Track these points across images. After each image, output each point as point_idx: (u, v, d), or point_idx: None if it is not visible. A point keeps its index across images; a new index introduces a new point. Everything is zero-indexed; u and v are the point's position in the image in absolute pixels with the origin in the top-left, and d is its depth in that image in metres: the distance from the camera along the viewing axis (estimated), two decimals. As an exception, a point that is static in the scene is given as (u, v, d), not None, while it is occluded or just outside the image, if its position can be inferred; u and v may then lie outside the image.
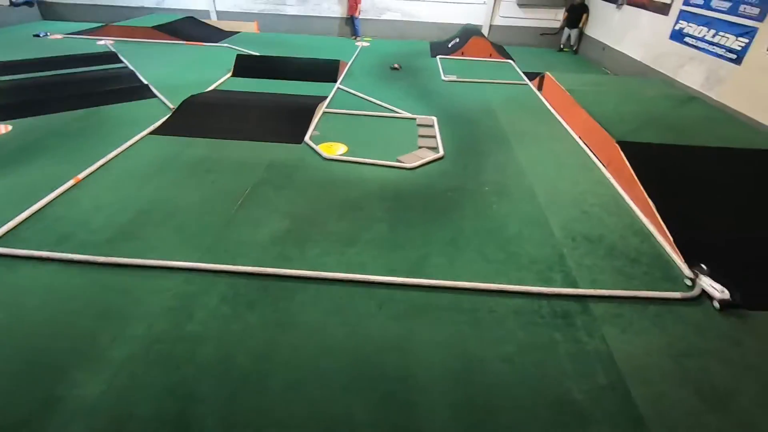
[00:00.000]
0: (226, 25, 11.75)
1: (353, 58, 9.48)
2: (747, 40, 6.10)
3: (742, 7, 6.24)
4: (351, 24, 11.95)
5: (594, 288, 3.15)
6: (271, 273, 3.09)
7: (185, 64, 8.34)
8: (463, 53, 9.92)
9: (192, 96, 6.12)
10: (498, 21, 12.05)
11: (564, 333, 2.78)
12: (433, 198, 4.22)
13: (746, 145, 4.59)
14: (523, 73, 8.70)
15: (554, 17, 11.83)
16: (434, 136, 5.62)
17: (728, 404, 2.37)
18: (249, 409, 2.22)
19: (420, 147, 5.29)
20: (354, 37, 11.91)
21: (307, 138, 5.32)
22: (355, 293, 3.00)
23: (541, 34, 12.05)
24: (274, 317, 2.76)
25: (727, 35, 6.49)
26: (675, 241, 3.58)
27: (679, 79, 7.47)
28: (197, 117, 5.67)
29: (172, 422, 2.13)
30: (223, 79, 7.44)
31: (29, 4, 11.81)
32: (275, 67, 7.95)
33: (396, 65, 8.86)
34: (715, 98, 6.54)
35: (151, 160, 4.64)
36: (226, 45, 10.02)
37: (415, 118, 6.18)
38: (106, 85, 6.77)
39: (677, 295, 3.11)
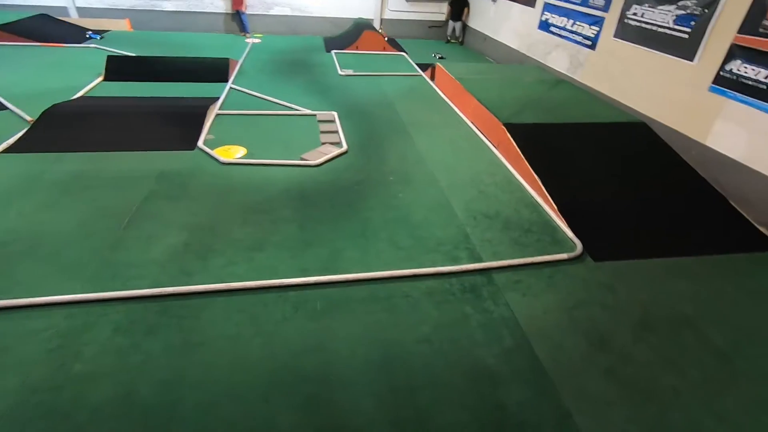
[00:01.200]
0: (90, 23, 10.40)
1: (244, 55, 9.03)
2: (597, 28, 7.00)
3: (591, -1, 7.14)
4: (238, 20, 11.34)
5: (496, 260, 3.41)
6: (171, 292, 2.84)
7: (42, 68, 7.23)
8: (357, 47, 10.00)
9: (55, 105, 5.33)
10: (388, 14, 12.33)
11: (473, 305, 2.97)
12: (340, 193, 4.21)
13: (605, 120, 5.30)
14: (416, 64, 9.03)
15: (439, 10, 12.43)
16: (336, 131, 5.59)
17: (610, 343, 2.74)
18: (159, 443, 2.03)
19: (323, 143, 5.24)
20: (243, 33, 11.34)
21: (200, 143, 4.96)
22: (268, 299, 2.89)
23: (430, 27, 12.61)
24: (179, 339, 2.55)
25: (582, 24, 7.39)
26: (559, 208, 4.01)
27: (549, 65, 8.34)
28: (65, 128, 4.97)
29: (64, 479, 1.87)
30: (92, 84, 6.60)
31: None
32: (156, 69, 7.25)
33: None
34: (578, 80, 7.42)
35: (7, 183, 3.96)
36: (93, 46, 8.90)
37: (315, 115, 6.10)
38: (-65, 99, 5.61)
39: (564, 256, 3.50)
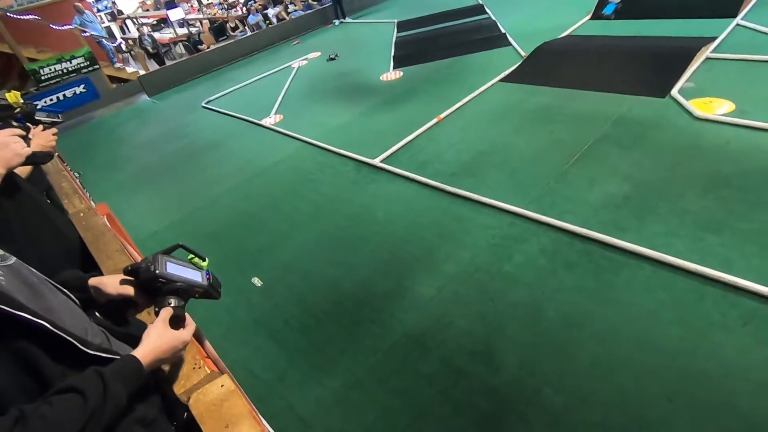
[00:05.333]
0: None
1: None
2: None
3: None
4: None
5: None
6: (597, 238, 2.82)
7: (542, 9, 8.17)
8: None
9: (545, 43, 6.00)
10: None
11: None
12: None
13: None
14: None
15: None
16: None
17: None
18: (551, 367, 2.20)
19: None
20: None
21: (674, 91, 4.33)
22: (707, 293, 2.36)
23: None
24: (593, 286, 2.55)
25: None
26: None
27: None
28: (546, 65, 5.56)
29: (479, 343, 2.39)
30: (579, 24, 6.90)
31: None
32: (650, 5, 6.67)
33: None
34: None
35: (497, 107, 4.96)
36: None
37: None
38: (470, 36, 7.57)
39: None
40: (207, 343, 1.07)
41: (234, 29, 11.97)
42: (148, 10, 14.92)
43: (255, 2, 12.30)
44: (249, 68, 9.37)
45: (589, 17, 7.06)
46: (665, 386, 2.01)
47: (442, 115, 4.99)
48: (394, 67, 7.03)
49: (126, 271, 0.92)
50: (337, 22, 11.50)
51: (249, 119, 6.39)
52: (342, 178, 4.34)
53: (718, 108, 3.95)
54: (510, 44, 6.69)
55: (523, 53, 6.12)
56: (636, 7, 6.72)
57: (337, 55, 8.17)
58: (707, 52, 4.96)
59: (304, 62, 8.72)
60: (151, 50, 10.70)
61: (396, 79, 6.57)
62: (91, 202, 2.46)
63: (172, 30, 12.25)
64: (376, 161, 4.37)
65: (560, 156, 3.80)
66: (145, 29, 11.86)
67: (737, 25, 5.51)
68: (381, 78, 6.73)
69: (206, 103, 7.71)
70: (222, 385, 0.84)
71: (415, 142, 4.63)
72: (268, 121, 6.15)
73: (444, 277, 2.87)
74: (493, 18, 8.13)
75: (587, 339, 2.28)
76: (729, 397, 1.90)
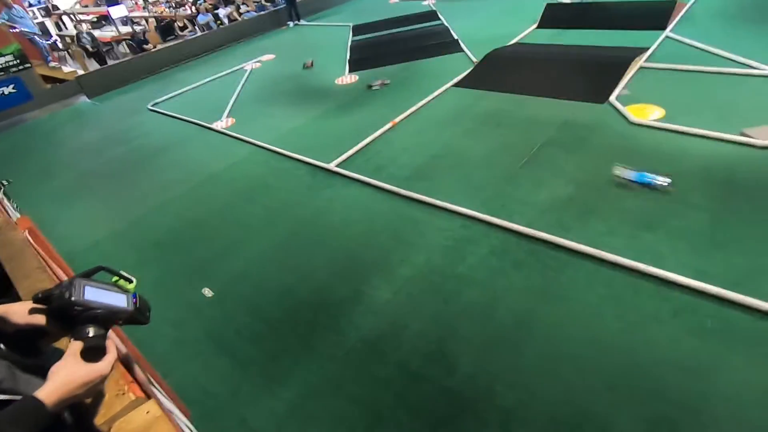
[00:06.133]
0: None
1: (696, -4, 7.37)
2: None
3: None
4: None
5: None
6: (544, 238, 2.94)
7: (492, 16, 8.46)
8: None
9: (495, 50, 6.20)
10: None
11: None
12: (795, 192, 2.98)
13: None
14: None
15: None
16: (819, 104, 3.86)
17: None
18: (502, 364, 2.26)
19: (786, 118, 3.76)
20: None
21: (612, 98, 4.61)
22: (642, 288, 2.52)
23: None
24: (539, 284, 2.65)
25: None
26: None
27: None
28: (496, 71, 5.75)
29: (434, 345, 2.42)
30: (526, 32, 7.20)
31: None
32: (590, 16, 7.07)
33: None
34: None
35: (450, 111, 5.06)
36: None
37: (786, 77, 4.39)
38: (423, 41, 7.69)
39: None
40: (136, 367, 1.00)
41: (183, 29, 11.51)
42: (86, 6, 14.03)
43: (204, 1, 11.88)
44: (199, 70, 9.03)
45: (535, 26, 7.38)
46: (607, 378, 2.12)
47: (397, 120, 5.03)
48: (350, 71, 7.02)
49: (36, 299, 0.83)
50: (291, 24, 11.33)
51: (199, 122, 6.15)
52: (296, 182, 4.26)
53: (651, 114, 4.24)
54: (462, 50, 6.86)
55: (474, 59, 6.30)
56: (581, 18, 7.11)
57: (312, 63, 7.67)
58: (641, 61, 5.32)
59: (258, 64, 8.51)
60: (90, 49, 10.07)
61: (351, 83, 6.55)
62: (16, 213, 2.26)
63: (114, 28, 11.58)
64: (332, 165, 4.33)
65: (510, 159, 3.94)
66: (84, 26, 11.13)
67: (666, 37, 5.95)
68: (336, 81, 6.69)
69: (153, 105, 7.34)
70: (147, 412, 0.79)
71: (371, 146, 4.63)
72: (219, 125, 5.95)
73: (399, 281, 2.88)
74: (446, 24, 8.31)
75: (536, 336, 2.37)
76: (661, 385, 2.04)
